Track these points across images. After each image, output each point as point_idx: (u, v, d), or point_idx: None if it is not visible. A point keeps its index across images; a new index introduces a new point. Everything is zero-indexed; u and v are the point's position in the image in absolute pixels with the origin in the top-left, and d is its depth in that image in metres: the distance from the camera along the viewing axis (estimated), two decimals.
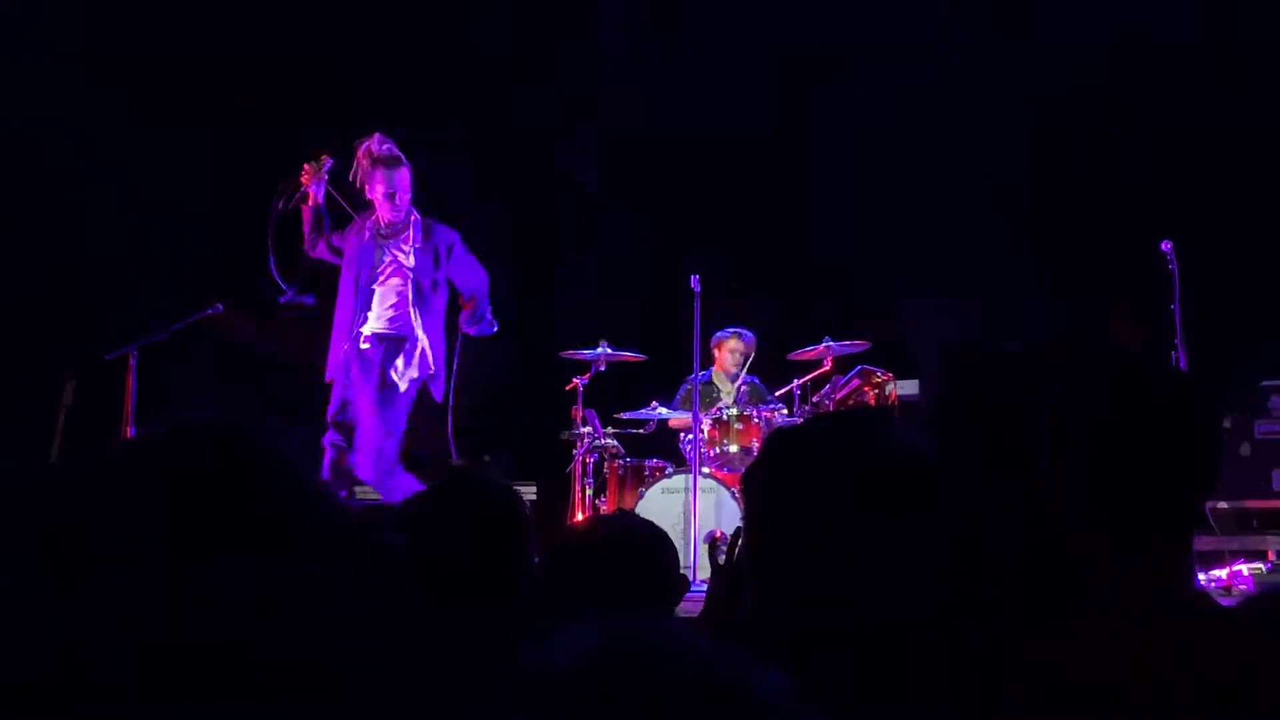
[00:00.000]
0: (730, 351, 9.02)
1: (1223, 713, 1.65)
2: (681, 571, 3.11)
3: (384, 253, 7.21)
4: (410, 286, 7.18)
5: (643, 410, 8.52)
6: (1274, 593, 1.99)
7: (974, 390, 2.05)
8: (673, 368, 8.53)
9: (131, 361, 7.69)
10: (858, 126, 9.75)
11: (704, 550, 7.51)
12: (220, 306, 7.90)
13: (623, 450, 8.38)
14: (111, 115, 9.36)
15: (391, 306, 7.20)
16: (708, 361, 9.01)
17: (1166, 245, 7.16)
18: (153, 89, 9.31)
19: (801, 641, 1.34)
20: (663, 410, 8.54)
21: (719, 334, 8.99)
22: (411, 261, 7.19)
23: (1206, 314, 7.42)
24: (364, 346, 7.16)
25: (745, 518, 1.45)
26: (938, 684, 1.32)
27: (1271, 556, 7.64)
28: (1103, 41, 9.57)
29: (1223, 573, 6.83)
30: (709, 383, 9.05)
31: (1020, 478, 1.95)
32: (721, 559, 2.88)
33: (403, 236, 7.22)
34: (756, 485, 1.45)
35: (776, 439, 1.52)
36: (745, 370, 8.96)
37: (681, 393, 8.74)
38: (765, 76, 9.97)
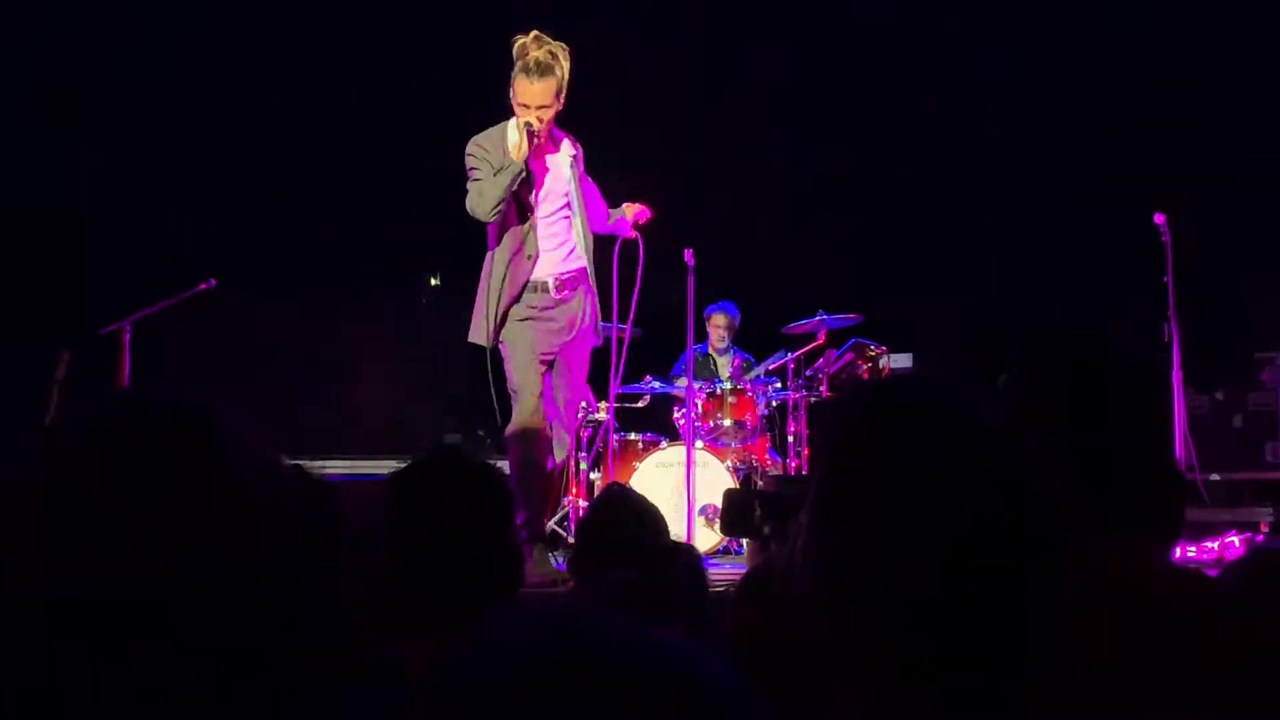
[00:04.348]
0: (715, 327, 9.09)
1: (1207, 682, 1.65)
2: (677, 547, 3.14)
3: None
4: None
5: (637, 384, 8.52)
6: (1249, 558, 1.99)
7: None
8: (666, 342, 8.53)
9: (125, 337, 7.69)
10: (847, 97, 9.73)
11: (699, 523, 7.53)
12: (214, 282, 7.88)
13: (617, 424, 8.38)
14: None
15: None
16: (703, 335, 9.04)
17: (1159, 218, 7.14)
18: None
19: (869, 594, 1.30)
20: (656, 384, 8.54)
21: (706, 309, 9.03)
22: None
23: (1199, 287, 7.41)
24: None
25: (829, 465, 1.38)
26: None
27: (1264, 528, 7.65)
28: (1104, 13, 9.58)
29: (1214, 544, 6.84)
30: (706, 355, 9.10)
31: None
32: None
33: None
34: (849, 435, 1.39)
35: (870, 393, 1.46)
36: (732, 341, 9.02)
37: (678, 368, 8.75)
38: (754, 45, 9.95)
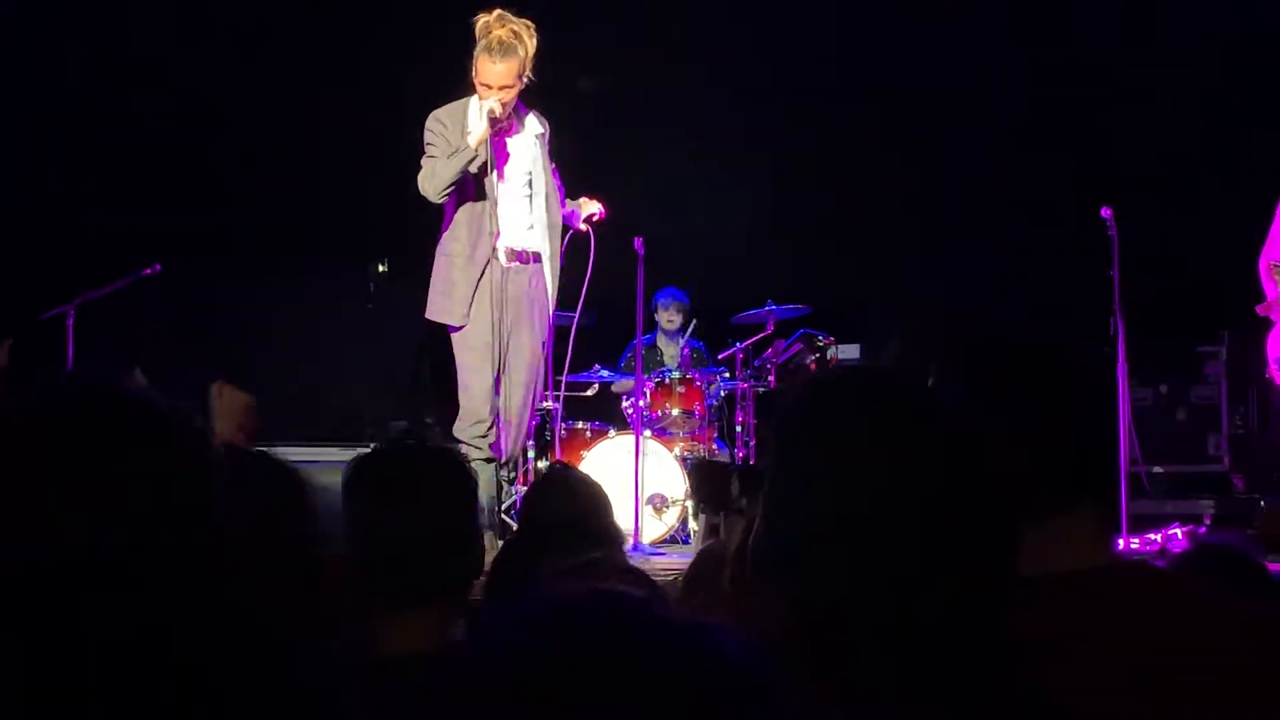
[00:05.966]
0: (662, 310, 9.09)
1: (1162, 670, 1.66)
2: (620, 528, 3.14)
3: None
4: None
5: (585, 373, 8.50)
6: (1194, 551, 2.00)
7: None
8: (616, 331, 8.52)
9: (68, 322, 7.61)
10: (796, 83, 9.74)
11: (646, 512, 7.51)
12: (159, 266, 7.82)
13: (564, 413, 8.35)
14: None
15: None
16: (652, 325, 9.03)
17: (1106, 211, 7.18)
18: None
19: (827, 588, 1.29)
20: (605, 373, 8.53)
21: (656, 297, 9.01)
22: None
23: (1143, 280, 7.46)
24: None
25: (781, 460, 1.37)
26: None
27: (1206, 520, 7.72)
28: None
29: (1157, 536, 6.90)
30: (653, 346, 9.09)
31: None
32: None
33: None
34: (802, 430, 1.37)
35: (822, 387, 1.45)
36: (687, 333, 8.99)
37: (626, 357, 8.73)
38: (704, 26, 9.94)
